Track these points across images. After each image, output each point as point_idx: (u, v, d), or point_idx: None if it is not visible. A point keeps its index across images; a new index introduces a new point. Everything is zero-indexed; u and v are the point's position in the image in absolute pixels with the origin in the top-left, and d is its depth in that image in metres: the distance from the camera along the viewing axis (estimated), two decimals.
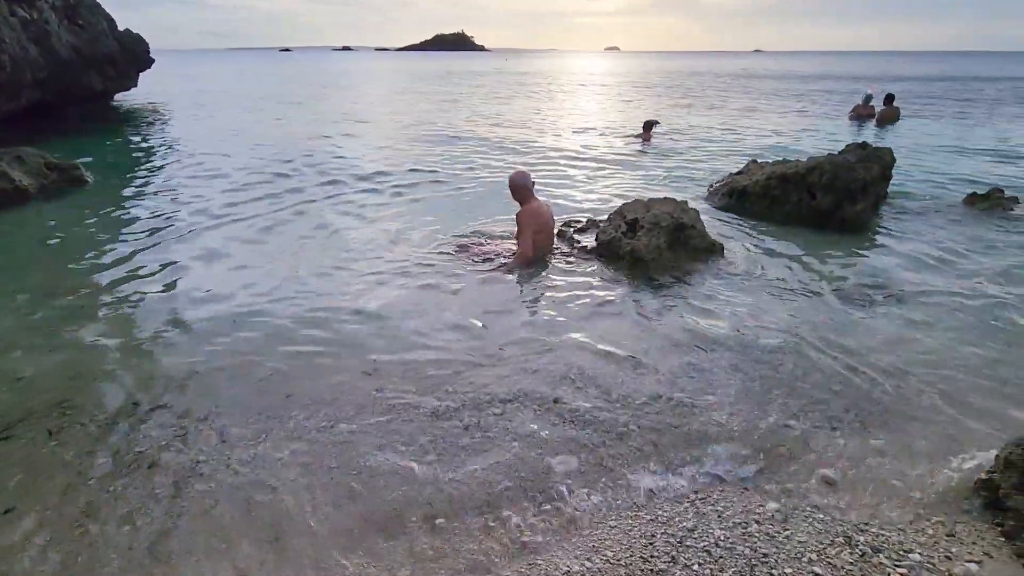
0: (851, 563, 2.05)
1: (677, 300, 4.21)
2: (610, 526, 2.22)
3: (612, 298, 4.23)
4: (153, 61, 16.56)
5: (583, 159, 9.80)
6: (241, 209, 6.59)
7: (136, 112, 16.05)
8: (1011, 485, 2.31)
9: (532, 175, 5.06)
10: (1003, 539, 2.18)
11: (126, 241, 5.52)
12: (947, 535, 2.19)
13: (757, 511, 2.29)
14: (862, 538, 2.16)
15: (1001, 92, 24.54)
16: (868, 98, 15.41)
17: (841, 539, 2.15)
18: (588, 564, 2.04)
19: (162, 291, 4.40)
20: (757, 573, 1.99)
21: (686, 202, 5.19)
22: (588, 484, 2.43)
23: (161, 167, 9.04)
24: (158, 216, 6.34)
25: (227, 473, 2.49)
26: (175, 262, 4.98)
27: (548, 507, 2.32)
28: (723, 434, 2.74)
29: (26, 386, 3.11)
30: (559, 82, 31.98)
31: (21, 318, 3.92)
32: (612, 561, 2.05)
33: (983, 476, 2.44)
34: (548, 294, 4.34)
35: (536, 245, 4.84)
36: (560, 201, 6.75)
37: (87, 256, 5.11)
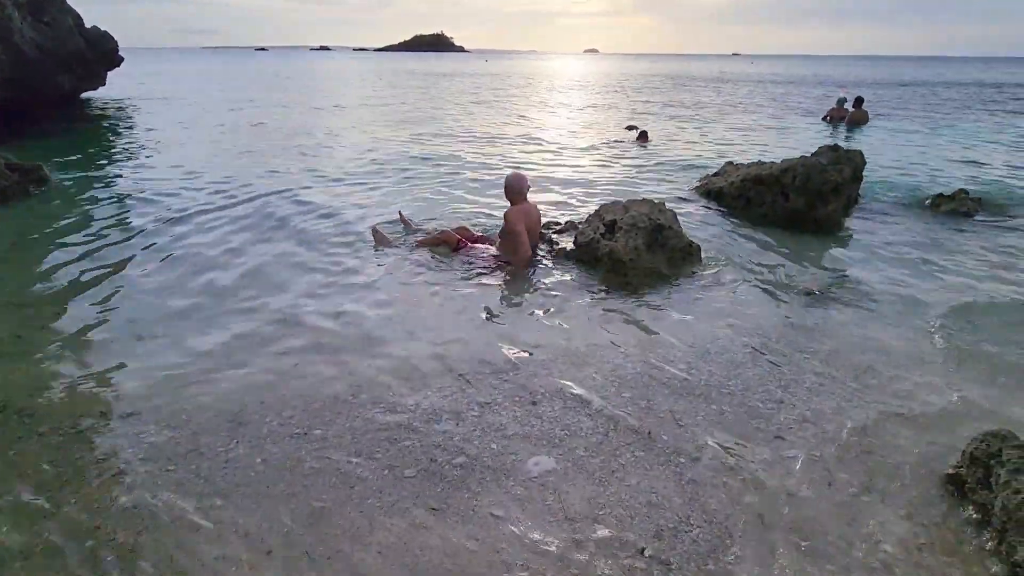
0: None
1: (652, 302, 4.24)
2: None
3: (583, 302, 4.24)
4: (122, 59, 16.10)
5: (563, 162, 9.84)
6: (207, 209, 6.46)
7: (103, 111, 15.61)
8: (976, 480, 2.37)
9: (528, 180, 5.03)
10: (969, 532, 2.24)
11: (89, 243, 5.34)
12: (915, 530, 2.24)
13: None
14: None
15: (967, 95, 25.35)
16: (841, 101, 15.76)
17: None
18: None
19: (127, 294, 4.28)
20: None
21: (663, 203, 5.23)
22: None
23: (128, 167, 8.81)
24: (124, 217, 6.18)
25: (197, 483, 2.42)
26: (140, 264, 4.86)
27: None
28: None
29: None
30: (544, 85, 32.05)
31: None
32: None
33: (950, 471, 2.50)
34: (527, 297, 4.35)
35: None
36: (541, 206, 6.74)
37: (48, 260, 4.94)
